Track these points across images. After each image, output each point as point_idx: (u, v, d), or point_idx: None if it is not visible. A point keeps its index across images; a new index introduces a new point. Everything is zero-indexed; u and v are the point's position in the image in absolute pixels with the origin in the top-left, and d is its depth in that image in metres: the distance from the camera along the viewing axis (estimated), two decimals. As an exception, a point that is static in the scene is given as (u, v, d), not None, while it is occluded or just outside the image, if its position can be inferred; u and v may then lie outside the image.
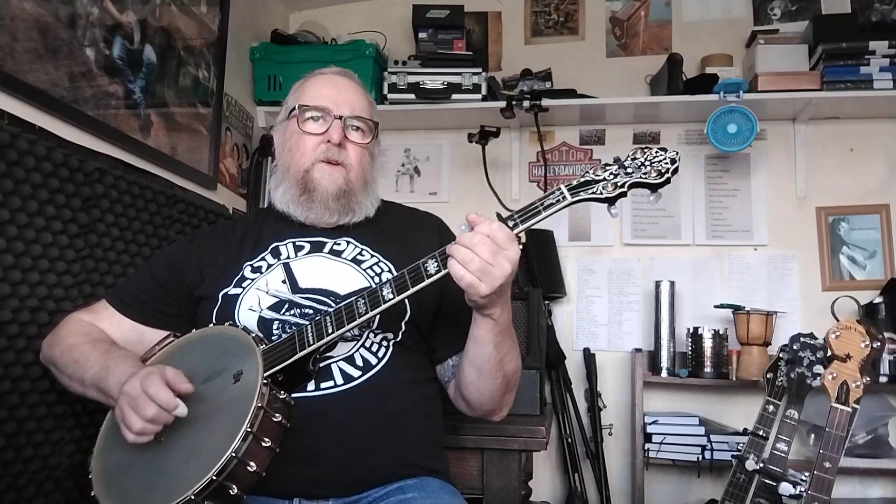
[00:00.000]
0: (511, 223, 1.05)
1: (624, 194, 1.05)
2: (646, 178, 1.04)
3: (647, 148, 1.07)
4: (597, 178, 1.06)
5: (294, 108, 1.32)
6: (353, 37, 2.70)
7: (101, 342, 1.24)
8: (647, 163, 1.05)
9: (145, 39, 1.88)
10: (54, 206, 1.45)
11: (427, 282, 1.07)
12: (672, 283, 2.51)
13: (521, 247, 1.05)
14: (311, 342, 1.11)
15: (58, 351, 1.24)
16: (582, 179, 1.06)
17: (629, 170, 1.05)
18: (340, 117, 1.29)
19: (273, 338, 1.18)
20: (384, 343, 1.22)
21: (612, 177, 1.05)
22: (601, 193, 1.05)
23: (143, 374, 1.07)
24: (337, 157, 1.28)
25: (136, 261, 1.69)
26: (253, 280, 1.25)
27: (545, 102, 2.49)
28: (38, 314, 1.39)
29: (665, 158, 1.04)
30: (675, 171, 1.04)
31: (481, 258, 1.01)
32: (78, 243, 1.51)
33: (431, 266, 1.07)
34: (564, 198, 1.05)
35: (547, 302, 2.55)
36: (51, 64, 1.51)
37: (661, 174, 1.03)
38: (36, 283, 1.39)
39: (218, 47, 2.29)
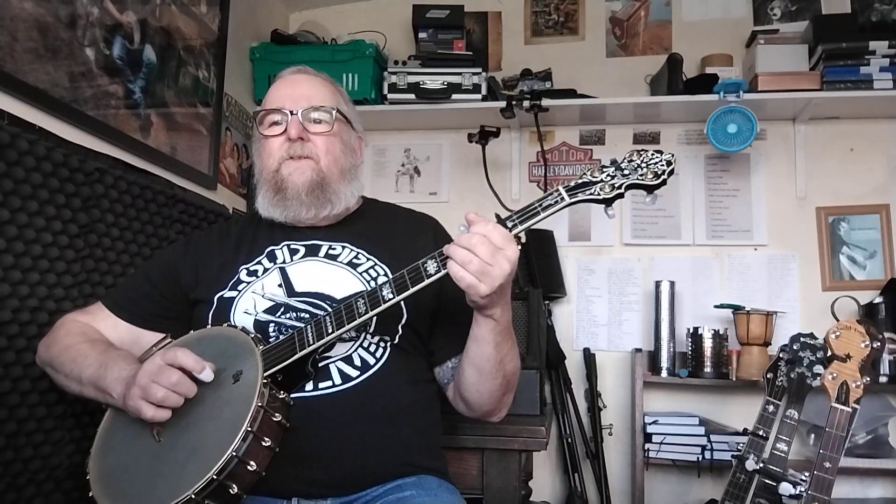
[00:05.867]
0: (510, 223, 1.06)
1: (621, 195, 1.06)
2: (642, 180, 1.05)
3: (643, 150, 1.08)
4: (594, 179, 1.07)
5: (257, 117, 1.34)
6: (353, 37, 2.70)
7: (98, 342, 1.25)
8: (643, 165, 1.06)
9: (145, 39, 1.88)
10: (54, 206, 1.45)
11: (427, 282, 1.08)
12: (672, 283, 2.51)
13: (519, 247, 1.06)
14: (311, 342, 1.11)
15: (55, 351, 1.24)
16: (580, 181, 1.07)
17: (626, 171, 1.06)
18: (295, 112, 1.28)
19: (270, 340, 1.18)
20: (382, 344, 1.22)
21: (609, 178, 1.06)
22: (598, 195, 1.06)
23: (161, 352, 1.09)
24: (300, 152, 1.28)
25: (136, 261, 1.69)
26: (248, 283, 1.26)
27: (545, 102, 2.49)
28: (38, 314, 1.39)
29: (661, 160, 1.06)
30: (671, 172, 1.05)
31: (480, 259, 1.01)
32: (78, 243, 1.51)
33: (431, 266, 1.08)
34: (563, 199, 1.06)
35: (547, 302, 2.55)
36: (51, 64, 1.51)
37: (657, 176, 1.05)
38: (36, 283, 1.39)
39: (218, 47, 2.29)
